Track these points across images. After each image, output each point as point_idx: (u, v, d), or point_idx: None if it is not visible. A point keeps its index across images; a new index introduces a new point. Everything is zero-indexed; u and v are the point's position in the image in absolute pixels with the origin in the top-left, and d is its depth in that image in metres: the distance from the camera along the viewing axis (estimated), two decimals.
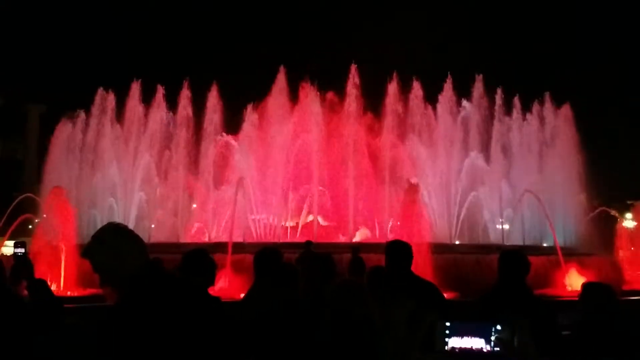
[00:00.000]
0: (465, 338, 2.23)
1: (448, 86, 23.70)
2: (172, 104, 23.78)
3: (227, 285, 12.71)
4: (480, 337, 2.23)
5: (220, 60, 36.28)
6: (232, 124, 23.70)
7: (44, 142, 24.33)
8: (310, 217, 21.38)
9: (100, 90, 23.28)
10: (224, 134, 23.30)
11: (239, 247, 15.06)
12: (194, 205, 23.32)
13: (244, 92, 24.30)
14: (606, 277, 13.65)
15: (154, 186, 22.53)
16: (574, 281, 14.25)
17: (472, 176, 22.44)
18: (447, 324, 2.26)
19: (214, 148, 22.81)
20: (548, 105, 24.02)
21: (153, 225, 22.24)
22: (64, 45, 43.80)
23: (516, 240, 20.21)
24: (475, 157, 22.64)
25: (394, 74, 22.94)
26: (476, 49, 37.45)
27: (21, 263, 4.43)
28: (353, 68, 22.66)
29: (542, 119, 24.10)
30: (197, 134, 23.32)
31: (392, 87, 22.83)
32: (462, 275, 13.79)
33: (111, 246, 2.46)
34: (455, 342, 2.23)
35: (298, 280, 3.91)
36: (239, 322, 3.69)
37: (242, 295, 4.51)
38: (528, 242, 20.09)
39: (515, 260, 4.29)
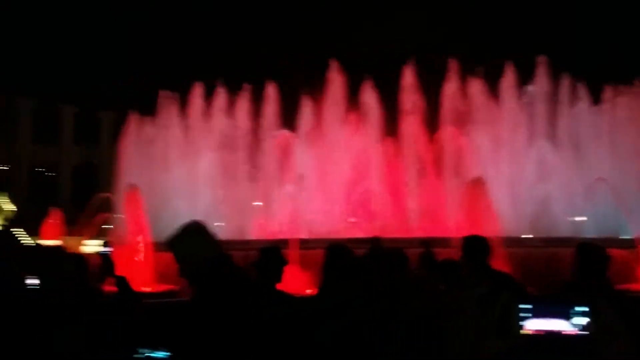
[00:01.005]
0: (542, 320, 2.08)
1: (510, 72, 22.90)
2: (231, 103, 24.46)
3: (293, 281, 12.91)
4: (559, 318, 2.07)
5: (273, 58, 36.72)
6: (288, 121, 24.06)
7: (116, 146, 25.76)
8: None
9: (163, 93, 24.33)
10: (282, 129, 23.69)
11: (304, 243, 15.27)
12: (258, 203, 23.85)
13: (297, 89, 24.50)
14: None
15: (218, 185, 23.24)
16: None
17: (539, 166, 21.62)
18: (523, 306, 2.12)
19: (272, 144, 23.24)
20: (618, 89, 22.73)
21: (219, 224, 22.93)
22: (130, 55, 45.85)
23: (590, 232, 19.25)
24: (542, 145, 21.77)
25: (452, 62, 22.47)
26: (538, 32, 35.82)
27: (106, 261, 4.73)
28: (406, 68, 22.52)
29: (613, 104, 22.82)
30: (256, 132, 23.87)
31: (452, 77, 22.38)
32: (534, 270, 13.29)
33: (191, 240, 2.66)
34: (532, 324, 2.09)
35: (369, 275, 3.91)
36: (309, 317, 3.73)
37: (309, 291, 4.59)
38: (603, 235, 19.06)
39: (593, 253, 4.09)
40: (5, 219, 42.60)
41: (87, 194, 26.81)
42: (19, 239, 28.61)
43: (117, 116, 47.97)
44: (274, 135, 23.56)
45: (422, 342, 2.77)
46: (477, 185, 15.71)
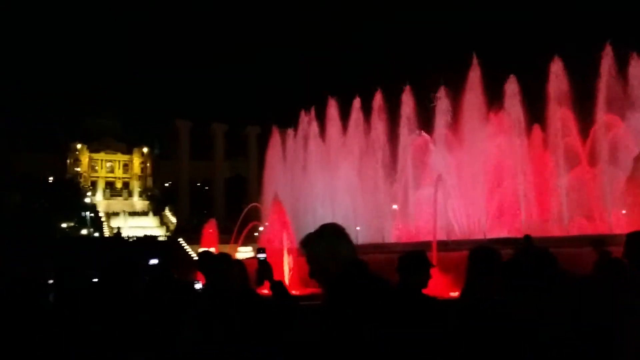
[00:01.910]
0: None
1: None
2: (366, 112, 24.95)
3: (434, 284, 12.74)
4: None
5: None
6: (424, 126, 23.76)
7: (262, 159, 27.77)
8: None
9: (303, 112, 25.78)
10: (419, 131, 23.42)
11: (442, 245, 15.01)
12: (395, 207, 23.88)
13: (427, 90, 23.99)
14: None
15: (356, 190, 23.77)
16: None
17: None
18: None
19: (410, 147, 23.12)
20: None
21: (358, 228, 23.43)
22: (270, 73, 48.84)
23: None
24: None
25: (607, 46, 20.37)
26: None
27: (264, 266, 5.17)
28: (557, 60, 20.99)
29: None
30: (393, 139, 23.97)
31: (606, 62, 20.31)
32: None
33: (328, 242, 2.64)
34: None
35: (516, 278, 3.75)
36: (454, 321, 3.72)
37: (452, 294, 4.51)
38: None
39: None
40: (169, 230, 48.00)
41: (238, 205, 29.15)
42: (184, 247, 31.92)
43: (262, 130, 51.62)
44: (414, 136, 23.38)
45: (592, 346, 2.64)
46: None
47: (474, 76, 22.43)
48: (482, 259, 3.98)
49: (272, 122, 27.66)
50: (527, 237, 11.08)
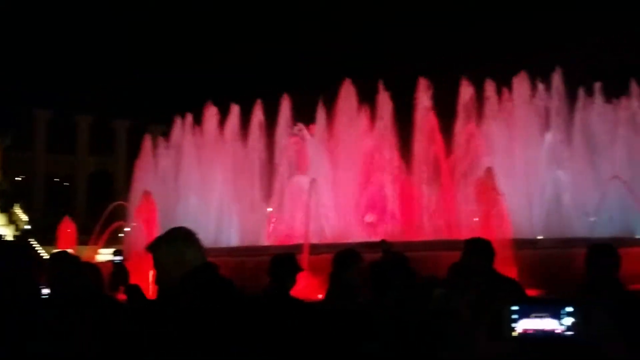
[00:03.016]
0: (534, 320, 2.09)
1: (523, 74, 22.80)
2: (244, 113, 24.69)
3: (305, 286, 12.94)
4: (550, 317, 2.09)
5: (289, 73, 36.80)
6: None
7: (131, 155, 26.11)
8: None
9: (177, 117, 24.84)
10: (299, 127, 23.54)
11: (314, 248, 15.30)
12: (269, 209, 23.92)
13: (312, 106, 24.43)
14: None
15: (230, 191, 23.39)
16: None
17: (553, 164, 21.42)
18: (514, 308, 2.12)
19: (285, 149, 23.29)
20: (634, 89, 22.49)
21: (232, 230, 23.04)
22: (145, 65, 46.43)
23: (605, 232, 18.99)
24: (555, 143, 21.56)
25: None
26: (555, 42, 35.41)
27: (119, 270, 4.80)
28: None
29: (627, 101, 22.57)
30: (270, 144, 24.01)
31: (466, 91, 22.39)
32: (548, 272, 13.18)
33: (174, 247, 2.53)
34: (524, 325, 2.10)
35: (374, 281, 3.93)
36: (319, 323, 3.77)
37: (320, 296, 4.61)
38: (618, 234, 18.81)
39: (603, 254, 4.09)
40: (18, 229, 43.24)
41: (102, 203, 27.16)
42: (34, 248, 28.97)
43: (132, 125, 48.69)
44: (292, 133, 23.52)
45: (419, 346, 2.77)
46: (488, 178, 15.64)
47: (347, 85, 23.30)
48: (345, 262, 4.15)
49: (145, 116, 26.22)
50: (384, 242, 11.66)
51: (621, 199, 19.91)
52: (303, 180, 21.41)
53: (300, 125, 23.51)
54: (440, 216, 21.46)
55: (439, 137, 22.01)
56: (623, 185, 18.71)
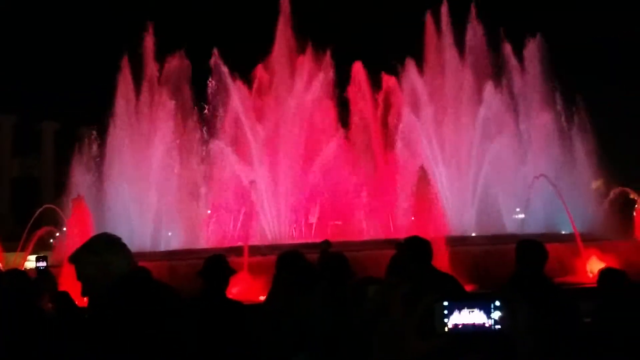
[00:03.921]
0: (464, 314, 2.18)
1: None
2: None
3: (245, 288, 12.81)
4: (480, 311, 2.18)
5: None
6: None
7: (60, 158, 24.68)
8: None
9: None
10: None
11: (255, 250, 15.17)
12: (208, 212, 23.45)
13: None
14: (628, 261, 13.43)
15: (169, 194, 22.66)
16: (595, 267, 14.05)
17: (484, 164, 22.25)
18: (445, 303, 2.22)
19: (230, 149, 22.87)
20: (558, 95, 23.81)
21: (170, 234, 22.42)
22: (75, 63, 44.37)
23: (533, 228, 19.97)
24: (488, 144, 22.39)
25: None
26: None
27: (43, 277, 4.54)
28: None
29: (554, 103, 23.79)
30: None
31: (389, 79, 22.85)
32: (480, 268, 13.71)
33: (101, 259, 2.42)
34: (455, 320, 2.19)
35: (319, 282, 3.94)
36: (260, 325, 3.75)
37: (262, 297, 4.58)
38: (545, 230, 19.85)
39: (531, 249, 4.31)
40: None
41: (28, 209, 25.65)
42: None
43: (61, 126, 46.29)
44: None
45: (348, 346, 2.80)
46: (423, 178, 16.13)
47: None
48: (287, 263, 4.16)
49: (74, 118, 24.90)
50: (326, 242, 11.78)
51: (548, 197, 20.93)
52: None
53: None
54: (377, 216, 21.84)
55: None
56: (549, 183, 19.68)
